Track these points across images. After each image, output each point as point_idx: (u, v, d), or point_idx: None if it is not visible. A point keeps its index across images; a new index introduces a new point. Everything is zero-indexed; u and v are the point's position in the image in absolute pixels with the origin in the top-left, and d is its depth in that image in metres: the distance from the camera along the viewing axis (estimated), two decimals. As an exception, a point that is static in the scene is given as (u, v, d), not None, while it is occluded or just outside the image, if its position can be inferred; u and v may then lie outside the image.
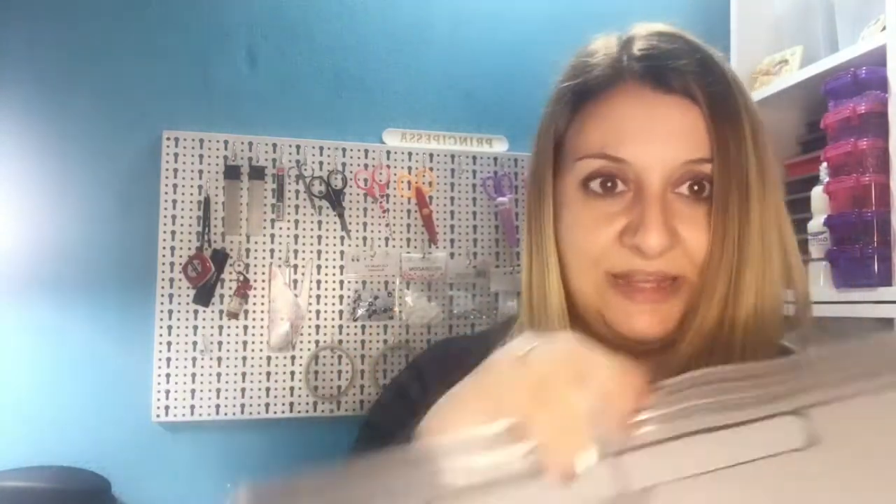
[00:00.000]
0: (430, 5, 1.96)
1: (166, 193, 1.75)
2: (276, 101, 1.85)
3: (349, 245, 1.84)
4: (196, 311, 1.74)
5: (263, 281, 1.79)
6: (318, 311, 1.82)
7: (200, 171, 1.77)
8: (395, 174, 1.88)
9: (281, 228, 1.81)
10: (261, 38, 1.86)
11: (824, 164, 1.48)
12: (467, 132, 1.96)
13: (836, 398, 0.38)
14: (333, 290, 1.83)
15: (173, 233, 1.74)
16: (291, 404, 1.78)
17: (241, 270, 1.77)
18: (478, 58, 1.97)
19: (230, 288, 1.76)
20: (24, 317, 1.67)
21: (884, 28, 1.38)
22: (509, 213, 1.92)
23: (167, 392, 1.71)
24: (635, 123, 0.60)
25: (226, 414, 1.74)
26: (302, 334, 1.80)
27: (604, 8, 1.92)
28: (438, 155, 1.92)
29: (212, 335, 1.75)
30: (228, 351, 1.76)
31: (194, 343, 1.74)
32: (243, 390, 1.76)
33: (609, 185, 0.60)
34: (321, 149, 1.84)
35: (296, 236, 1.82)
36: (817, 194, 1.51)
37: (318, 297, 1.82)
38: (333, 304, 1.83)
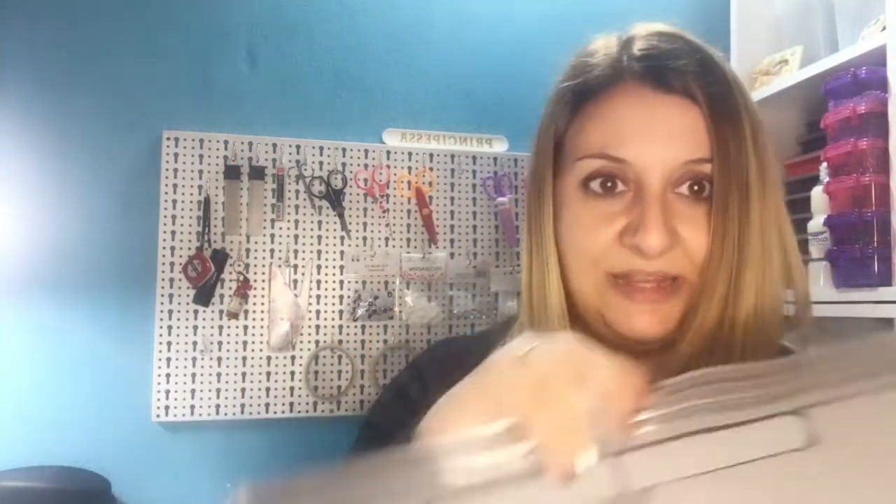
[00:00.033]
0: (430, 5, 1.96)
1: (166, 193, 1.75)
2: (276, 101, 1.86)
3: (349, 245, 1.85)
4: (196, 311, 1.74)
5: (263, 281, 1.79)
6: (318, 311, 1.82)
7: (200, 171, 1.77)
8: (395, 174, 1.88)
9: (281, 228, 1.81)
10: (261, 38, 1.86)
11: (824, 164, 1.48)
12: (467, 132, 1.96)
13: (836, 398, 0.38)
14: (333, 290, 1.83)
15: (173, 233, 1.74)
16: (291, 404, 1.78)
17: (241, 270, 1.77)
18: (478, 58, 1.97)
19: (230, 288, 1.76)
20: (24, 317, 1.67)
21: (884, 28, 1.38)
22: (509, 213, 1.92)
23: (167, 392, 1.71)
24: (635, 123, 0.60)
25: (226, 414, 1.74)
26: (302, 334, 1.80)
27: (603, 8, 1.93)
28: (438, 155, 1.92)
29: (212, 335, 1.75)
30: (228, 351, 1.76)
31: (194, 343, 1.74)
32: (243, 390, 1.76)
33: (609, 185, 0.60)
34: (321, 149, 1.84)
35: (296, 236, 1.82)
36: (817, 194, 1.51)
37: (318, 297, 1.82)
38: (333, 304, 1.83)
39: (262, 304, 1.78)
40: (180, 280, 1.73)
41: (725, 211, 0.58)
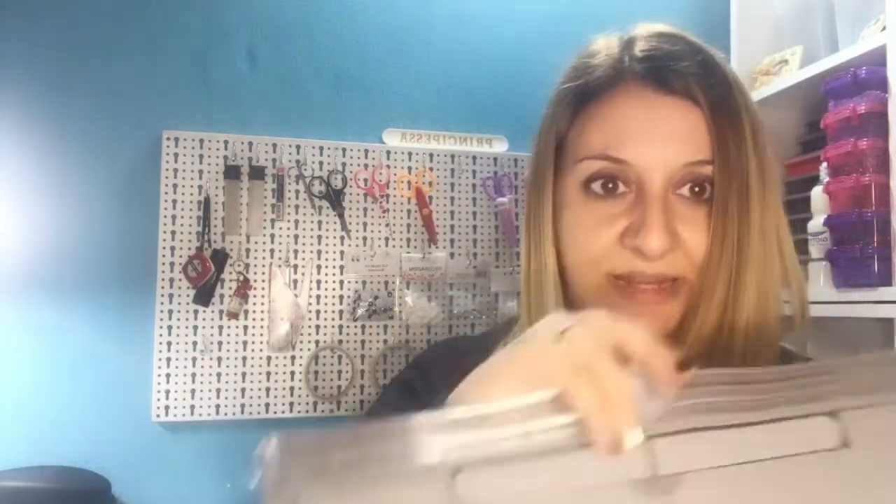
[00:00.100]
0: (430, 5, 1.96)
1: (166, 193, 1.75)
2: (276, 101, 1.85)
3: (349, 245, 1.85)
4: (196, 311, 1.74)
5: (263, 281, 1.79)
6: (318, 311, 1.82)
7: (200, 171, 1.77)
8: (395, 174, 1.88)
9: (281, 228, 1.81)
10: (261, 38, 1.86)
11: (824, 164, 1.48)
12: (467, 132, 1.96)
13: (869, 404, 0.39)
14: (333, 290, 1.83)
15: (173, 233, 1.74)
16: (291, 404, 1.78)
17: (241, 270, 1.77)
18: (478, 58, 1.97)
19: (230, 288, 1.76)
20: (24, 317, 1.67)
21: (884, 28, 1.38)
22: (509, 214, 1.92)
23: (167, 392, 1.71)
24: (637, 124, 0.60)
25: (226, 414, 1.74)
26: (302, 334, 1.80)
27: (604, 9, 1.93)
28: (438, 155, 1.92)
29: (212, 335, 1.75)
30: (228, 351, 1.76)
31: (194, 343, 1.74)
32: (243, 390, 1.76)
33: (610, 186, 0.60)
34: (321, 149, 1.84)
35: (296, 236, 1.82)
36: (817, 194, 1.51)
37: (318, 297, 1.82)
38: (333, 304, 1.83)
39: (262, 304, 1.78)
40: (180, 280, 1.73)
41: (725, 212, 0.58)
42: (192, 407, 1.72)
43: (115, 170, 1.75)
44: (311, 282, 1.81)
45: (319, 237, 1.83)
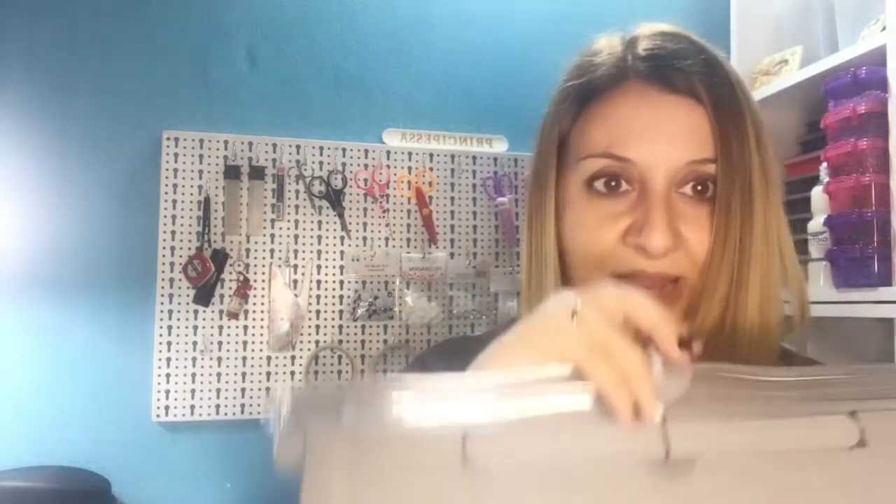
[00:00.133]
0: (430, 5, 1.96)
1: (166, 193, 1.75)
2: (276, 101, 1.85)
3: (349, 245, 1.85)
4: (196, 311, 1.74)
5: (263, 281, 1.79)
6: (318, 311, 1.82)
7: (200, 171, 1.77)
8: (395, 174, 1.88)
9: (281, 228, 1.81)
10: (261, 38, 1.86)
11: (824, 164, 1.48)
12: (467, 132, 1.96)
13: (887, 409, 0.39)
14: (333, 290, 1.83)
15: (173, 233, 1.74)
16: (291, 404, 1.78)
17: (241, 270, 1.77)
18: (478, 58, 1.97)
19: (230, 288, 1.76)
20: (24, 317, 1.67)
21: (884, 28, 1.38)
22: (509, 213, 1.92)
23: (167, 392, 1.71)
24: (640, 123, 0.60)
25: (226, 414, 1.74)
26: (302, 334, 1.80)
27: (604, 8, 1.93)
28: (438, 155, 1.92)
29: (212, 335, 1.75)
30: (228, 351, 1.76)
31: (194, 343, 1.74)
32: (243, 390, 1.76)
33: (613, 184, 0.60)
34: (321, 149, 1.84)
35: (296, 236, 1.82)
36: (817, 194, 1.51)
37: (318, 297, 1.82)
38: (333, 304, 1.83)
39: (262, 304, 1.78)
40: (180, 280, 1.73)
41: (728, 211, 0.58)
42: (192, 407, 1.72)
43: (115, 170, 1.75)
44: (311, 282, 1.81)
45: (319, 237, 1.83)
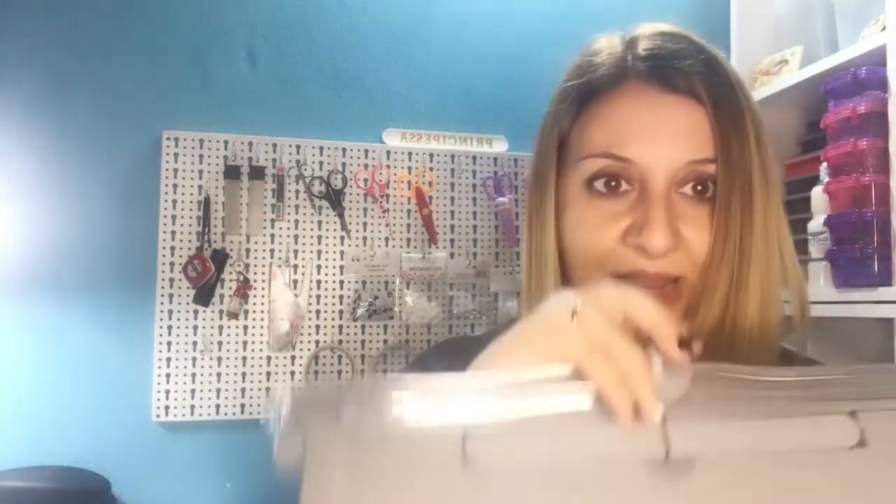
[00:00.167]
0: (430, 5, 1.96)
1: (166, 193, 1.75)
2: (276, 101, 1.86)
3: (349, 245, 1.85)
4: (196, 311, 1.74)
5: (263, 281, 1.79)
6: (318, 311, 1.82)
7: (200, 171, 1.77)
8: (395, 174, 1.88)
9: (281, 228, 1.81)
10: (261, 38, 1.86)
11: (824, 164, 1.48)
12: (467, 132, 1.96)
13: (887, 409, 0.39)
14: (333, 290, 1.83)
15: (173, 233, 1.74)
16: (291, 404, 1.78)
17: (241, 270, 1.77)
18: (478, 58, 1.97)
19: (230, 288, 1.76)
20: (24, 317, 1.67)
21: (884, 28, 1.38)
22: (509, 213, 1.92)
23: (167, 392, 1.71)
24: (640, 123, 0.60)
25: (226, 414, 1.74)
26: (302, 334, 1.80)
27: (604, 8, 1.93)
28: (438, 155, 1.92)
29: (212, 335, 1.75)
30: (228, 351, 1.76)
31: (194, 343, 1.74)
32: (243, 390, 1.76)
33: (613, 184, 0.60)
34: (321, 149, 1.84)
35: (296, 236, 1.82)
36: (817, 194, 1.51)
37: (318, 297, 1.82)
38: (333, 304, 1.83)
39: (262, 304, 1.78)
40: (180, 280, 1.73)
41: (728, 211, 0.58)
42: (192, 407, 1.72)
43: (115, 170, 1.75)
44: (311, 282, 1.81)
45: (319, 237, 1.83)
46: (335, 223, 1.84)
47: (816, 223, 1.50)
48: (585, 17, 1.92)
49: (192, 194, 1.76)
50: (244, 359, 1.77)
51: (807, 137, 1.73)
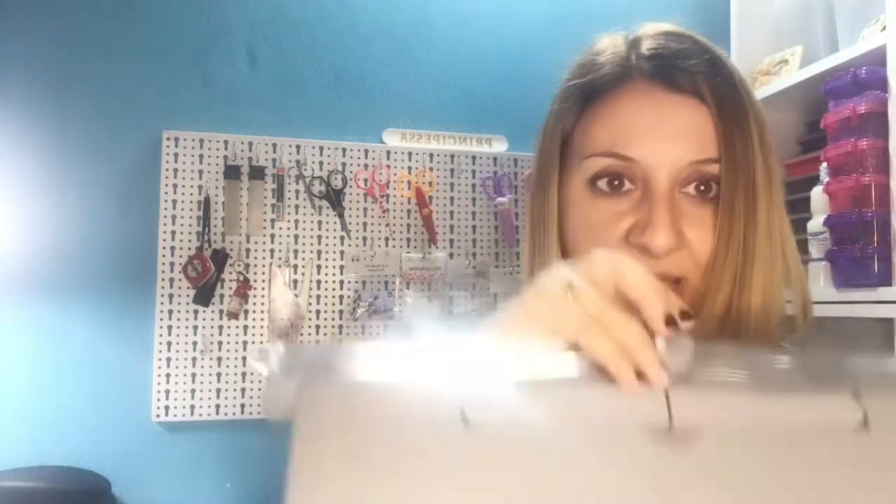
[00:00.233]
0: (430, 5, 1.96)
1: (166, 193, 1.75)
2: (276, 101, 1.85)
3: (349, 245, 1.84)
4: (196, 311, 1.74)
5: (263, 281, 1.79)
6: (318, 311, 1.82)
7: (200, 171, 1.77)
8: (395, 174, 1.88)
9: (281, 228, 1.81)
10: (261, 37, 1.86)
11: (824, 164, 1.48)
12: (467, 132, 1.96)
13: (891, 391, 0.39)
14: (333, 290, 1.83)
15: (173, 233, 1.74)
16: (291, 404, 1.78)
17: (241, 270, 1.77)
18: (478, 58, 1.97)
19: (230, 288, 1.76)
20: (24, 317, 1.67)
21: (884, 28, 1.38)
22: (509, 214, 1.92)
23: (167, 392, 1.71)
24: (644, 122, 0.60)
25: (226, 414, 1.74)
26: (302, 334, 1.80)
27: (604, 8, 1.93)
28: (438, 155, 1.92)
29: (212, 335, 1.75)
30: (228, 351, 1.76)
31: (194, 343, 1.74)
32: (243, 390, 1.76)
33: (616, 183, 0.60)
34: (321, 149, 1.84)
35: (296, 236, 1.82)
36: (817, 194, 1.51)
37: (318, 297, 1.82)
38: (333, 304, 1.83)
39: (262, 304, 1.78)
40: (180, 280, 1.73)
41: (732, 211, 0.58)
42: (192, 407, 1.72)
43: (115, 170, 1.75)
44: (311, 282, 1.81)
45: (319, 237, 1.83)
46: (335, 223, 1.84)
47: (816, 223, 1.50)
48: (585, 17, 1.92)
49: (192, 194, 1.76)
50: (244, 359, 1.77)
51: (807, 137, 1.73)
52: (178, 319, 1.73)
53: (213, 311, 1.75)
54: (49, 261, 1.69)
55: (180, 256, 1.74)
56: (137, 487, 1.68)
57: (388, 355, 0.37)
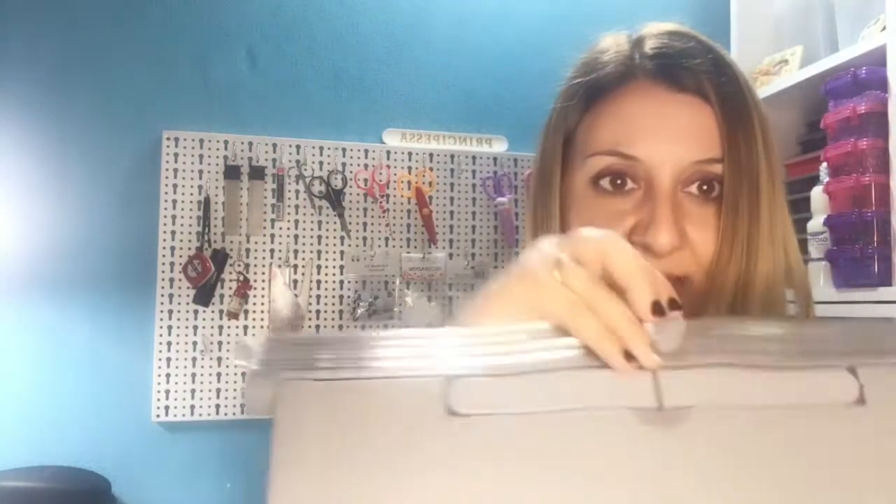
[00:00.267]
0: (430, 5, 1.96)
1: (166, 193, 1.75)
2: (276, 101, 1.85)
3: (349, 245, 1.84)
4: (196, 311, 1.74)
5: (263, 281, 1.79)
6: (318, 311, 1.82)
7: (200, 171, 1.77)
8: (395, 174, 1.88)
9: (281, 228, 1.81)
10: (261, 38, 1.86)
11: (824, 164, 1.48)
12: (467, 132, 1.96)
13: (887, 364, 0.38)
14: (333, 290, 1.83)
15: (173, 233, 1.74)
16: (291, 404, 1.78)
17: (241, 270, 1.77)
18: (478, 58, 1.97)
19: (230, 288, 1.76)
20: (24, 317, 1.67)
21: (884, 28, 1.38)
22: (508, 214, 1.92)
23: (167, 392, 1.71)
24: (648, 121, 0.60)
25: (226, 414, 1.74)
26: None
27: (604, 8, 1.93)
28: (438, 155, 1.92)
29: (212, 335, 1.75)
30: (228, 351, 1.76)
31: (194, 343, 1.74)
32: (243, 390, 1.76)
33: (619, 182, 0.60)
34: (321, 149, 1.84)
35: (296, 236, 1.82)
36: (817, 194, 1.51)
37: (318, 297, 1.82)
38: (333, 304, 1.83)
39: (262, 304, 1.78)
40: (180, 280, 1.73)
41: (736, 212, 0.58)
42: (192, 407, 1.72)
43: (115, 170, 1.75)
44: (311, 282, 1.81)
45: (319, 237, 1.83)
46: (335, 223, 1.84)
47: (816, 223, 1.50)
48: (585, 17, 1.92)
49: (192, 194, 1.76)
50: (244, 359, 1.76)
51: (807, 137, 1.74)
52: (178, 319, 1.73)
53: (213, 311, 1.75)
54: (49, 261, 1.69)
55: (180, 256, 1.74)
56: (137, 487, 1.68)
57: (369, 344, 0.36)
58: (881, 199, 1.35)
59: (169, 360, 1.72)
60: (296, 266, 1.81)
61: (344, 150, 1.86)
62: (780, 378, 0.37)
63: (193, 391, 1.73)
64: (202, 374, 1.73)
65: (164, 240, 1.73)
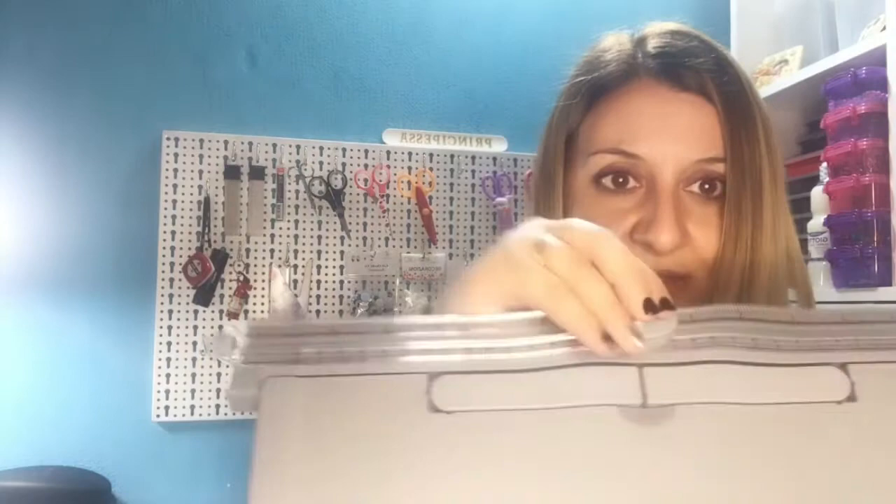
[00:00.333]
0: (430, 5, 1.96)
1: (166, 193, 1.75)
2: (276, 101, 1.86)
3: (349, 245, 1.85)
4: (196, 311, 1.74)
5: (263, 281, 1.79)
6: (318, 311, 1.82)
7: (200, 171, 1.77)
8: (394, 174, 1.88)
9: (281, 228, 1.81)
10: (261, 38, 1.86)
11: (824, 164, 1.48)
12: (467, 132, 1.96)
13: (880, 360, 0.37)
14: (333, 290, 1.83)
15: (173, 233, 1.74)
16: (291, 404, 1.78)
17: (241, 270, 1.77)
18: (478, 58, 1.97)
19: (230, 288, 1.76)
20: (24, 317, 1.67)
21: (884, 28, 1.38)
22: (508, 214, 1.92)
23: (167, 392, 1.71)
24: (650, 120, 0.60)
25: (226, 414, 1.74)
26: (302, 334, 1.80)
27: (604, 8, 1.93)
28: (438, 155, 1.92)
29: (212, 335, 1.75)
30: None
31: (194, 343, 1.74)
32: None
33: (621, 181, 0.60)
34: (321, 149, 1.84)
35: (296, 236, 1.82)
36: (817, 194, 1.51)
37: (318, 297, 1.82)
38: (333, 305, 1.83)
39: (262, 304, 1.78)
40: (180, 280, 1.73)
41: (738, 211, 0.58)
42: (192, 407, 1.72)
43: (115, 170, 1.75)
44: (311, 282, 1.81)
45: (319, 237, 1.83)
46: (335, 223, 1.84)
47: (816, 223, 1.50)
48: (585, 17, 1.93)
49: (192, 194, 1.76)
50: (244, 359, 1.76)
51: (807, 137, 1.74)
52: (178, 319, 1.73)
53: (213, 311, 1.75)
54: (49, 261, 1.69)
55: (180, 256, 1.74)
56: (137, 487, 1.68)
57: (350, 334, 0.35)
58: (881, 199, 1.36)
59: (169, 360, 1.72)
60: (296, 266, 1.81)
61: (344, 150, 1.86)
62: (770, 375, 0.36)
63: (193, 391, 1.73)
64: (202, 374, 1.73)
65: (164, 240, 1.73)
